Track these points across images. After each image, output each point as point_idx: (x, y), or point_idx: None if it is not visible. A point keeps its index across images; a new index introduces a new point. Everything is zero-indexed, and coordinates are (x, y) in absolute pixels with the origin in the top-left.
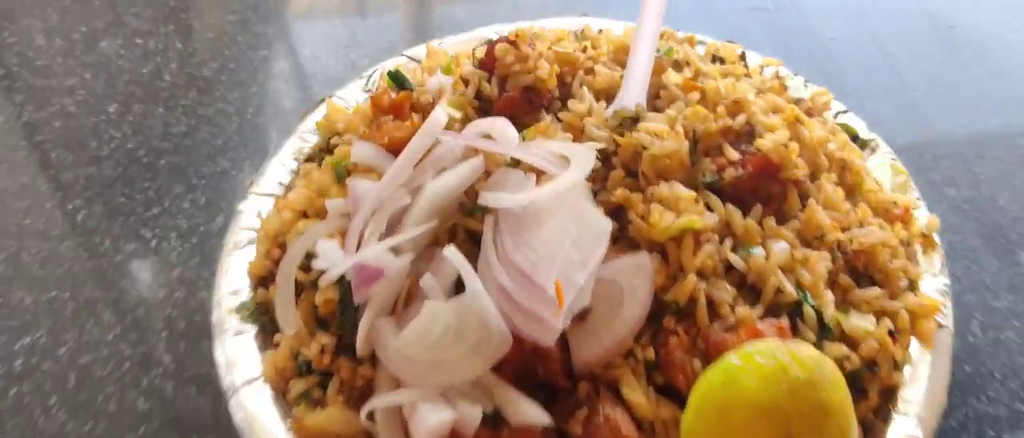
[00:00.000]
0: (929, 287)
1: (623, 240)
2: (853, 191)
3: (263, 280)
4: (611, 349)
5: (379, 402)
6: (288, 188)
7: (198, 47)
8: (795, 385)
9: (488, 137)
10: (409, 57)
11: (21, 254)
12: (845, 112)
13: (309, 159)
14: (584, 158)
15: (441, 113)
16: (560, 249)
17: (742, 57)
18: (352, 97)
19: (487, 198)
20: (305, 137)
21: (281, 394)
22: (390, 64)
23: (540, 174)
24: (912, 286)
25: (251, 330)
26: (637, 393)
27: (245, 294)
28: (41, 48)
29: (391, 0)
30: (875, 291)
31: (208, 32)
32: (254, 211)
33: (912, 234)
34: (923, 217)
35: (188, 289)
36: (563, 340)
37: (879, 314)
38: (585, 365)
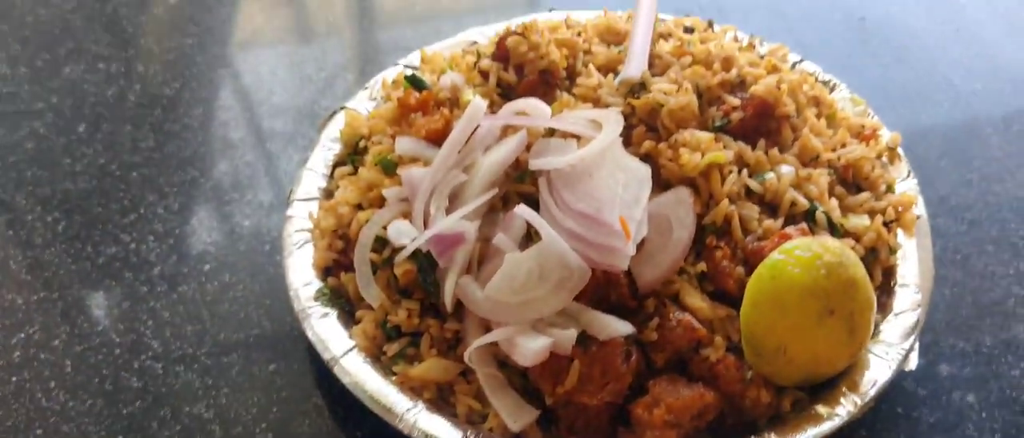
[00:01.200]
0: (902, 188)
1: (656, 184)
2: (829, 120)
3: (328, 271)
4: (668, 269)
5: (481, 341)
6: (328, 192)
7: (159, 69)
8: (830, 267)
9: (522, 114)
10: (404, 65)
11: (8, 262)
12: (801, 61)
13: (339, 164)
14: (614, 119)
15: (479, 101)
16: (614, 193)
17: (710, 25)
18: (362, 107)
19: (539, 163)
20: (328, 146)
21: (375, 358)
22: (388, 74)
23: (578, 138)
24: (889, 188)
25: (333, 313)
26: (696, 299)
27: (314, 285)
28: (6, 76)
29: (334, 26)
30: (865, 195)
31: (168, 55)
32: (303, 215)
33: (880, 149)
34: (886, 135)
35: (169, 283)
36: (626, 270)
37: (870, 213)
38: (648, 285)
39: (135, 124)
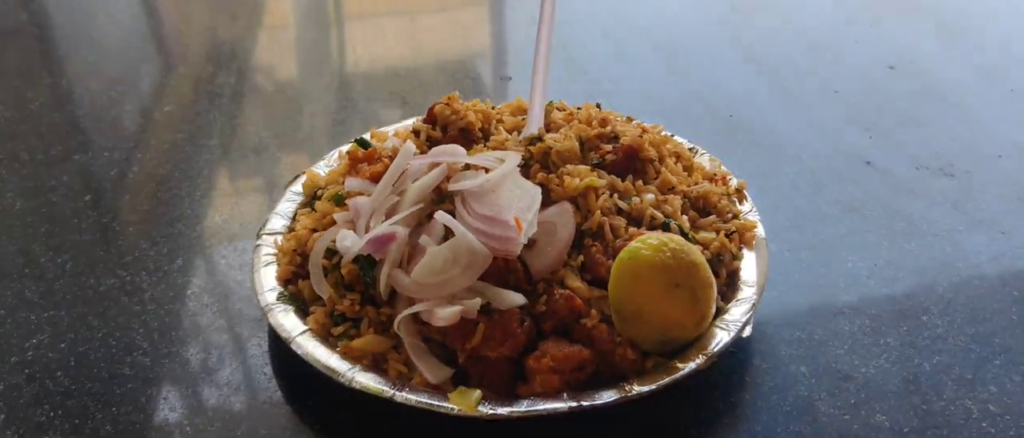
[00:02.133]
0: (747, 218)
1: (547, 204)
2: (686, 169)
3: (288, 282)
4: (554, 260)
5: (408, 311)
6: (290, 229)
7: (154, 155)
8: (674, 252)
9: (444, 155)
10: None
11: (24, 291)
12: (672, 135)
13: (302, 206)
14: (513, 156)
15: (410, 145)
16: (512, 203)
17: (597, 106)
18: (319, 171)
19: (455, 186)
20: (291, 197)
21: (324, 338)
22: (342, 148)
23: (487, 171)
24: (735, 217)
25: (290, 310)
26: (576, 282)
27: (276, 292)
28: (26, 162)
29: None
30: (712, 218)
31: (163, 146)
32: (269, 244)
33: (729, 190)
34: (734, 181)
35: (157, 303)
36: (522, 262)
37: (716, 231)
38: (539, 273)
39: (132, 192)
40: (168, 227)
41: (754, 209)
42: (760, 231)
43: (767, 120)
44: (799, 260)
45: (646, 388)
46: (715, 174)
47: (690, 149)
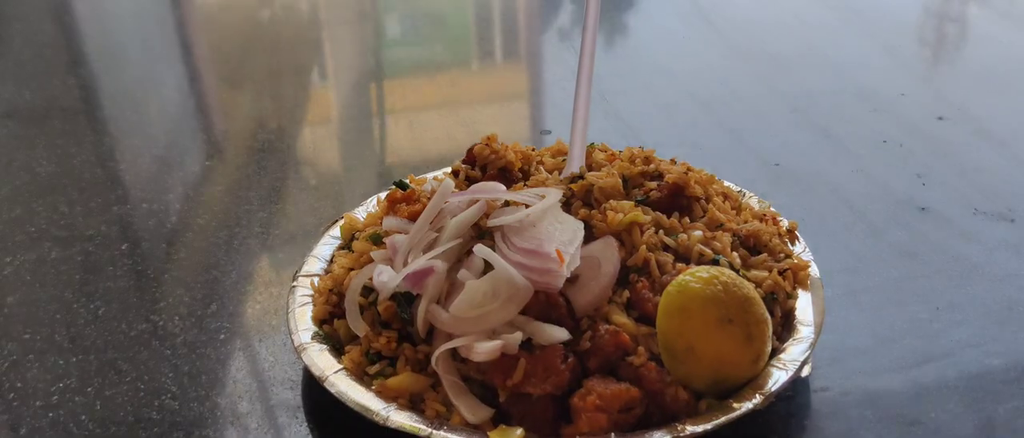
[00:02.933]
0: (798, 256)
1: (589, 239)
2: (734, 208)
3: (324, 322)
4: (598, 295)
5: (446, 346)
6: (328, 272)
7: (191, 206)
8: (725, 285)
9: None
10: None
11: (53, 336)
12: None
13: (340, 249)
14: (554, 192)
15: (449, 182)
16: (553, 235)
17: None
18: (357, 215)
19: (495, 221)
20: (328, 241)
21: (359, 377)
22: (381, 194)
23: (527, 206)
24: (787, 257)
25: (325, 349)
26: (622, 318)
27: (311, 331)
28: (65, 213)
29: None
30: (763, 256)
31: (201, 196)
32: (305, 285)
33: (780, 230)
34: (785, 222)
35: (189, 348)
36: (565, 298)
37: (768, 270)
38: (583, 309)
39: (169, 242)
40: (203, 273)
41: (806, 249)
42: (814, 270)
43: (815, 168)
44: (857, 303)
45: (699, 429)
46: (765, 214)
47: (738, 191)
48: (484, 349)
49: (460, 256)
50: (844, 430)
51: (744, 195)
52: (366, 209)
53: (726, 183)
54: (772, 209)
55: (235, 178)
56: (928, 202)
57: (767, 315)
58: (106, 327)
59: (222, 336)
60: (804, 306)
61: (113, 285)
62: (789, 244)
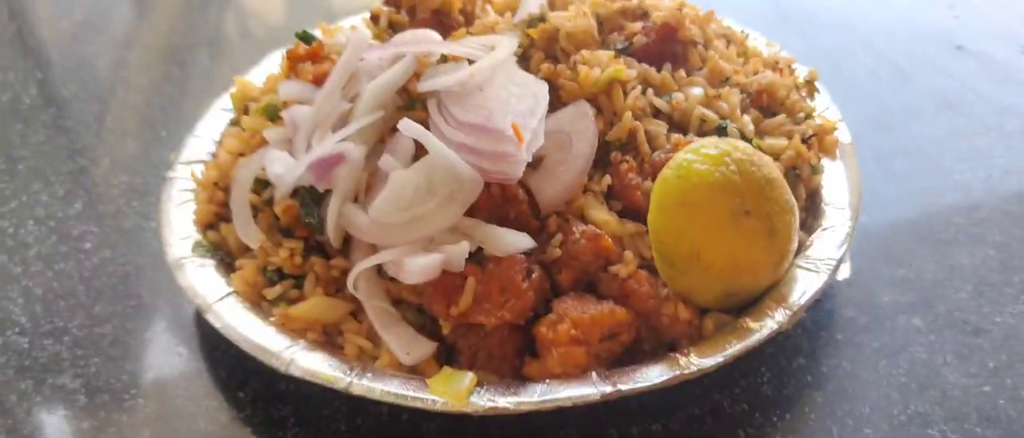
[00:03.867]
0: (824, 115)
1: (555, 106)
2: (740, 54)
3: (210, 226)
4: (570, 184)
5: (365, 264)
6: (215, 155)
7: (58, 73)
8: (739, 163)
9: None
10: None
11: None
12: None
13: (231, 125)
14: (509, 40)
15: (364, 31)
16: (507, 103)
17: None
18: (257, 79)
19: (428, 84)
20: (219, 113)
21: (255, 305)
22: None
23: (470, 62)
24: (808, 116)
25: (211, 264)
26: (602, 213)
27: (192, 240)
28: None
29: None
30: (781, 117)
31: (68, 62)
32: (186, 177)
33: (797, 81)
34: (803, 71)
35: (45, 262)
36: (525, 189)
37: (787, 136)
38: (550, 203)
39: (26, 122)
40: (68, 161)
41: (831, 105)
42: (844, 133)
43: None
44: (892, 171)
45: (707, 362)
46: (777, 61)
47: (739, 31)
48: (418, 266)
49: (382, 134)
50: (889, 345)
51: (747, 37)
52: (265, 70)
53: (725, 21)
54: (784, 53)
55: None
56: (964, 39)
57: (793, 201)
58: None
59: (85, 245)
60: (834, 181)
61: None
62: (808, 99)
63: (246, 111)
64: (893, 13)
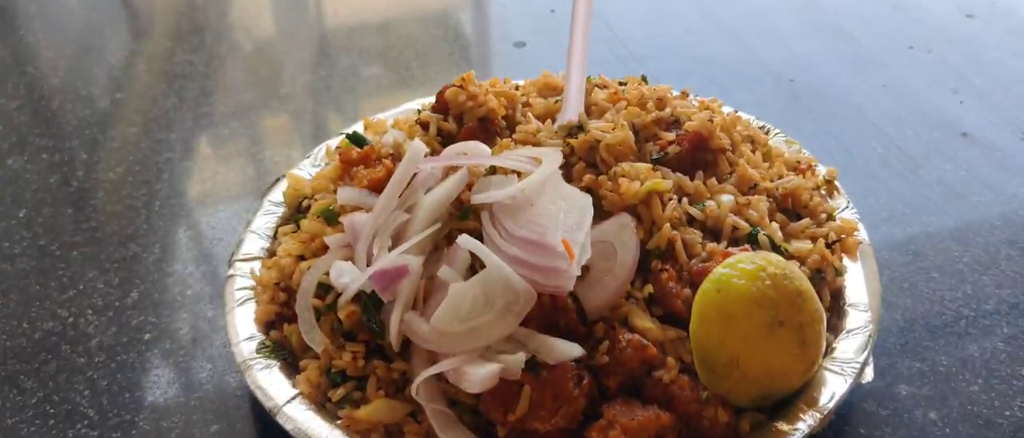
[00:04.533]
0: (844, 215)
1: (598, 215)
2: (765, 157)
3: (271, 325)
4: (615, 292)
5: (428, 372)
6: (271, 252)
7: (103, 155)
8: (774, 278)
9: (463, 155)
10: (346, 134)
11: None
12: (735, 112)
13: (284, 223)
14: (553, 154)
15: (419, 144)
16: (556, 219)
17: (643, 79)
18: (305, 173)
19: (481, 197)
20: (271, 210)
21: (320, 405)
22: (331, 143)
23: (519, 175)
24: (830, 217)
25: (276, 365)
26: (645, 321)
27: (257, 340)
28: None
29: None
30: (805, 222)
31: (112, 142)
32: (245, 274)
33: (818, 182)
34: (822, 170)
35: (107, 354)
36: (573, 297)
37: (812, 239)
38: (596, 310)
39: (77, 207)
40: (121, 248)
41: (850, 205)
42: (863, 234)
43: (836, 83)
44: (905, 264)
45: None
46: (799, 162)
47: (760, 126)
48: (479, 376)
49: (438, 243)
50: None
51: (768, 133)
52: (313, 164)
53: (746, 117)
54: (804, 151)
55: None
56: (969, 125)
57: (821, 310)
58: (3, 327)
59: (146, 336)
60: (854, 282)
61: (10, 267)
62: (827, 198)
63: (299, 209)
64: (902, 99)
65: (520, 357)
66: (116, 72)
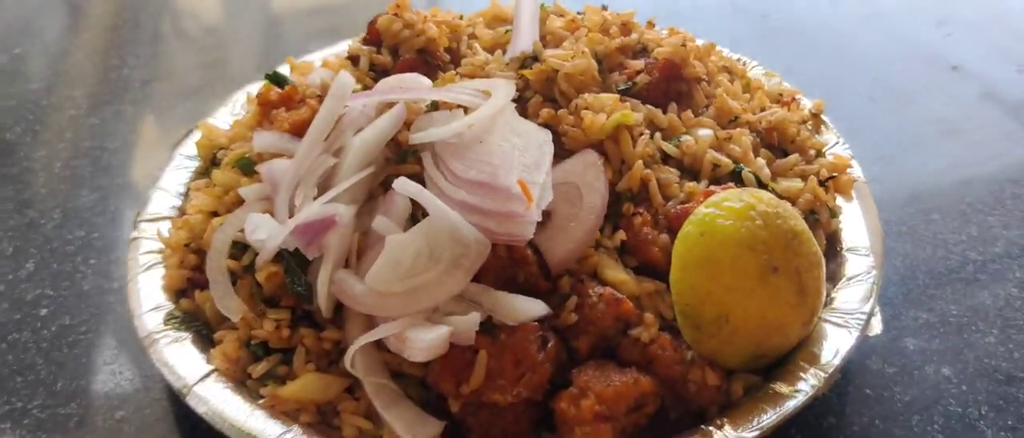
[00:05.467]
0: (834, 152)
1: (560, 154)
2: (744, 89)
3: (182, 292)
4: (582, 241)
5: (364, 339)
6: (182, 210)
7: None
8: (766, 217)
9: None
10: (266, 75)
11: None
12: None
13: (199, 177)
14: (505, 85)
15: (347, 76)
16: (510, 157)
17: (603, 8)
18: (222, 123)
19: (421, 136)
20: (182, 164)
21: (240, 383)
22: (252, 89)
23: (465, 111)
24: (819, 154)
25: (187, 337)
26: (618, 273)
27: (166, 309)
28: None
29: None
30: (794, 157)
31: (10, 101)
32: (151, 235)
33: (803, 115)
34: (807, 103)
35: None
36: (533, 249)
37: (801, 177)
38: (561, 262)
39: None
40: (16, 215)
41: (840, 140)
42: (858, 171)
43: (814, 18)
44: (901, 206)
45: (746, 435)
46: (781, 93)
47: (736, 59)
48: (425, 342)
49: (372, 191)
50: (921, 399)
51: (745, 65)
52: (232, 113)
53: (723, 50)
54: (785, 84)
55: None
56: (959, 58)
57: (820, 253)
58: None
59: (41, 311)
60: (851, 224)
61: None
62: (815, 133)
63: (214, 161)
64: (884, 32)
65: (474, 317)
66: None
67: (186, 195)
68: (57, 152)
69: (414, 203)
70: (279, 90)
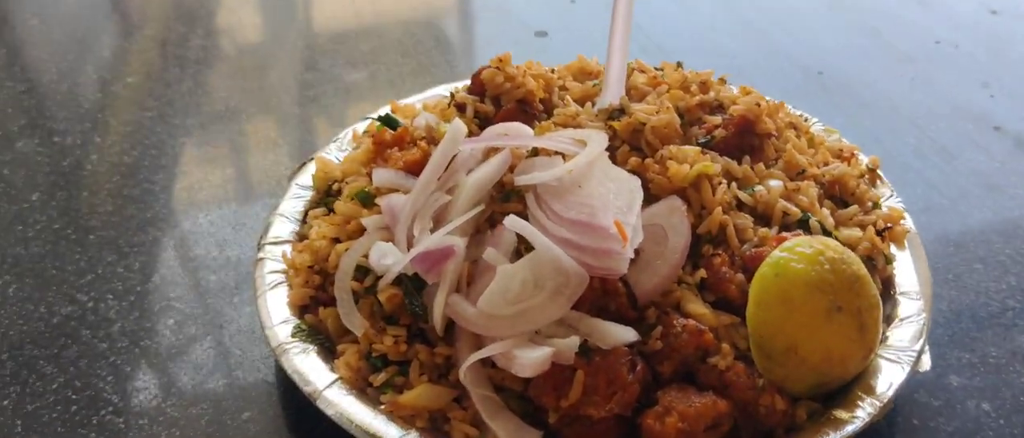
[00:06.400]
0: (889, 204)
1: (646, 199)
2: (809, 144)
3: (305, 309)
4: (667, 276)
5: (476, 356)
6: (301, 236)
7: (117, 139)
8: (833, 262)
9: (505, 136)
10: (372, 118)
11: None
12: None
13: (313, 206)
14: (599, 135)
15: (460, 124)
16: (606, 200)
17: (679, 65)
18: (332, 157)
19: (525, 179)
20: (299, 194)
21: (360, 391)
22: (358, 127)
23: (563, 157)
24: (875, 206)
25: (312, 349)
26: (698, 306)
27: (291, 324)
28: None
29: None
30: (853, 209)
31: (126, 127)
32: (276, 257)
33: (861, 170)
34: (864, 159)
35: (130, 339)
36: (623, 281)
37: (860, 226)
38: (647, 295)
39: (92, 191)
40: (139, 233)
41: (894, 193)
42: (909, 222)
43: (865, 76)
44: (948, 255)
45: None
46: (842, 150)
47: (799, 116)
48: (531, 360)
49: (480, 226)
50: (962, 430)
51: (807, 121)
52: (339, 148)
53: (790, 108)
54: (843, 140)
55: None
56: (1001, 118)
57: (878, 296)
58: (20, 311)
59: (170, 321)
60: (904, 270)
61: (24, 251)
62: (871, 187)
63: (329, 192)
64: (932, 91)
65: (574, 340)
66: (113, 63)
67: (304, 221)
68: (173, 177)
69: (520, 239)
70: (391, 131)
